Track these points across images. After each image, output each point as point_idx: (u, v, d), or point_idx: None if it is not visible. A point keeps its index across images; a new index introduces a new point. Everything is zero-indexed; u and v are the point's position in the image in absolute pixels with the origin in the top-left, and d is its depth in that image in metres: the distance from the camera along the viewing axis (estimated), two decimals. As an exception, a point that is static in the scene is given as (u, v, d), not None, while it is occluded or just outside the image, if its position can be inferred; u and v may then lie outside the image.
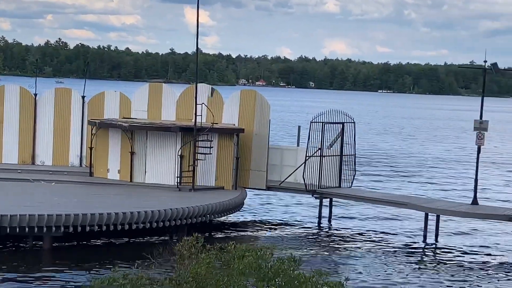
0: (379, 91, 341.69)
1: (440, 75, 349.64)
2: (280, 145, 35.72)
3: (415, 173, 46.40)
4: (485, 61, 27.30)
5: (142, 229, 22.55)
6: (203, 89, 29.05)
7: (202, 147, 26.79)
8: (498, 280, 21.11)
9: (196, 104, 26.79)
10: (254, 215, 29.32)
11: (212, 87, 29.76)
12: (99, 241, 23.05)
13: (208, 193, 26.37)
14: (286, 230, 26.97)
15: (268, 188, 28.93)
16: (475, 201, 26.64)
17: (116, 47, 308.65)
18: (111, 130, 28.37)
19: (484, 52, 27.74)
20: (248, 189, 28.95)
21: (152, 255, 12.44)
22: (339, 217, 29.35)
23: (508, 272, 22.16)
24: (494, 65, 27.26)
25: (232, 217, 27.91)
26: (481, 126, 26.61)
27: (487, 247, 25.51)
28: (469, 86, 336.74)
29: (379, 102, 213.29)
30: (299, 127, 31.49)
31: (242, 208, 28.09)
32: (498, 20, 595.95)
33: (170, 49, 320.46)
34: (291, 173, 28.34)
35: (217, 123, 27.80)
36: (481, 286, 20.34)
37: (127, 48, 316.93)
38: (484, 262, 23.27)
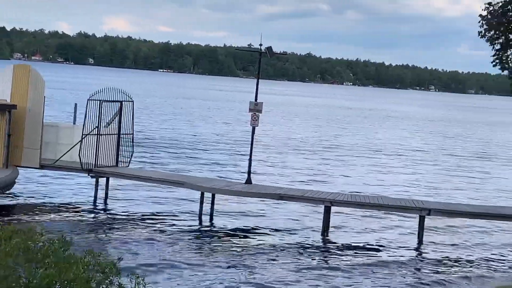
0: (159, 70, 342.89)
1: (219, 57, 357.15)
2: (56, 122, 34.70)
3: (193, 154, 47.06)
4: (261, 45, 28.17)
5: None
6: (-27, 61, 27.49)
7: (-30, 123, 25.37)
8: (273, 256, 21.97)
9: (-36, 77, 25.29)
10: (26, 194, 28.26)
11: (-18, 60, 28.28)
12: None
13: (-23, 172, 25.05)
14: (59, 210, 26.24)
15: (42, 167, 28.04)
16: (249, 180, 27.52)
17: None
18: None
19: (260, 35, 28.64)
20: (21, 168, 27.87)
21: None
22: (115, 197, 29.05)
23: (286, 245, 23.15)
24: (269, 48, 28.19)
25: (2, 197, 26.73)
26: (256, 108, 27.47)
27: (261, 226, 26.42)
28: (247, 68, 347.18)
29: (159, 81, 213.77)
30: (75, 104, 30.75)
31: (14, 187, 27.00)
32: (275, 5, 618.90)
33: None
34: (67, 152, 27.64)
35: (-13, 98, 26.44)
36: (257, 261, 21.06)
37: None
38: (258, 239, 24.12)
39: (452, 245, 25.38)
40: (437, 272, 21.48)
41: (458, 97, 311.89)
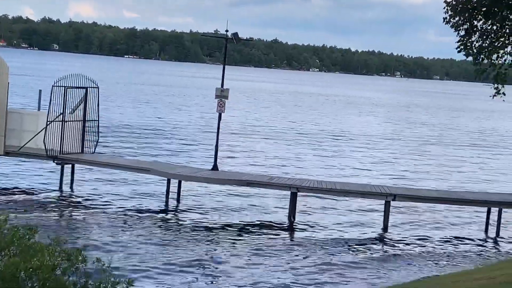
0: (125, 56, 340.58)
1: (185, 43, 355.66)
2: (20, 109, 34.32)
3: (159, 141, 46.87)
4: (227, 31, 28.12)
5: None
6: None
7: None
8: (239, 244, 22.01)
9: None
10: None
11: None
12: None
13: None
14: (24, 197, 26.01)
15: (7, 154, 27.73)
16: (215, 167, 27.50)
17: None
18: None
19: (226, 21, 28.59)
20: (-15, 155, 27.54)
21: None
22: (81, 184, 28.85)
23: (252, 233, 23.20)
24: (235, 34, 28.12)
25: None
26: (222, 94, 27.41)
27: (227, 213, 26.44)
28: (214, 55, 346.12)
29: (125, 67, 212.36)
30: (40, 91, 30.41)
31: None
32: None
33: None
34: (31, 138, 27.37)
35: (-51, 85, 26.04)
36: (222, 248, 21.07)
37: None
38: (224, 226, 24.14)
39: (417, 230, 25.66)
40: (400, 256, 21.70)
41: (424, 83, 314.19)
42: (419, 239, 24.24)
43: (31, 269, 9.38)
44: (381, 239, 24.14)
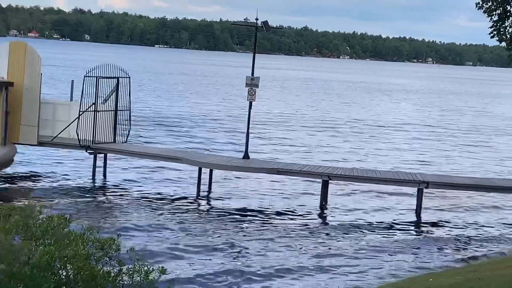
0: (156, 45, 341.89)
1: (215, 32, 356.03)
2: (53, 99, 34.61)
3: (190, 130, 46.99)
4: (257, 19, 28.07)
5: None
6: (-32, 39, 27.37)
7: (-33, 101, 25.29)
8: (273, 234, 22.03)
9: (-40, 55, 25.16)
10: (24, 172, 28.26)
11: (-23, 38, 28.15)
12: None
13: (-25, 150, 25.01)
14: (58, 187, 26.25)
15: (40, 144, 28.03)
16: (246, 156, 27.51)
17: None
18: None
19: (256, 10, 28.56)
20: (19, 145, 27.84)
21: None
22: (114, 174, 29.05)
23: (284, 221, 23.21)
24: (265, 23, 28.07)
25: (1, 174, 26.73)
26: (252, 83, 27.39)
27: (259, 203, 26.46)
28: (244, 43, 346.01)
29: (155, 56, 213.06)
30: (72, 81, 30.66)
31: (13, 164, 26.97)
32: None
33: None
34: (64, 128, 27.62)
35: (-17, 76, 26.33)
36: (254, 241, 21.10)
37: None
38: (256, 217, 24.17)
39: (449, 217, 25.46)
40: (432, 243, 21.56)
41: (456, 69, 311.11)
42: (451, 226, 24.06)
43: (65, 258, 9.48)
44: (413, 226, 24.00)
